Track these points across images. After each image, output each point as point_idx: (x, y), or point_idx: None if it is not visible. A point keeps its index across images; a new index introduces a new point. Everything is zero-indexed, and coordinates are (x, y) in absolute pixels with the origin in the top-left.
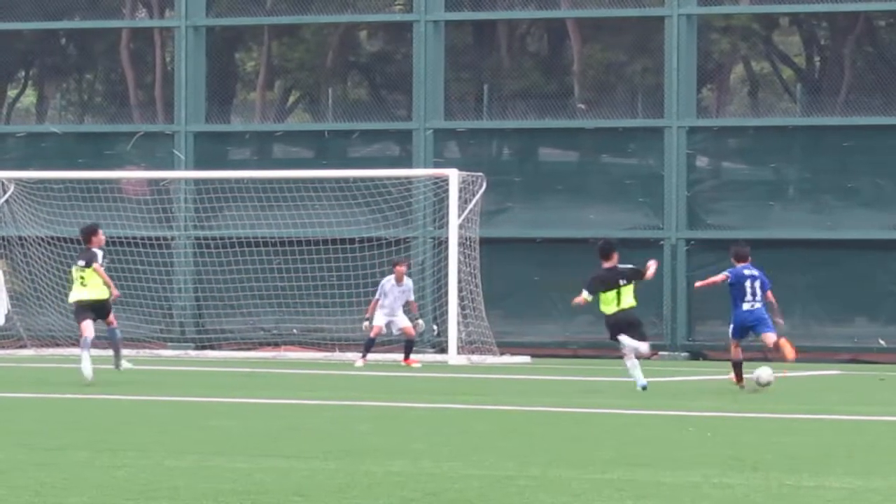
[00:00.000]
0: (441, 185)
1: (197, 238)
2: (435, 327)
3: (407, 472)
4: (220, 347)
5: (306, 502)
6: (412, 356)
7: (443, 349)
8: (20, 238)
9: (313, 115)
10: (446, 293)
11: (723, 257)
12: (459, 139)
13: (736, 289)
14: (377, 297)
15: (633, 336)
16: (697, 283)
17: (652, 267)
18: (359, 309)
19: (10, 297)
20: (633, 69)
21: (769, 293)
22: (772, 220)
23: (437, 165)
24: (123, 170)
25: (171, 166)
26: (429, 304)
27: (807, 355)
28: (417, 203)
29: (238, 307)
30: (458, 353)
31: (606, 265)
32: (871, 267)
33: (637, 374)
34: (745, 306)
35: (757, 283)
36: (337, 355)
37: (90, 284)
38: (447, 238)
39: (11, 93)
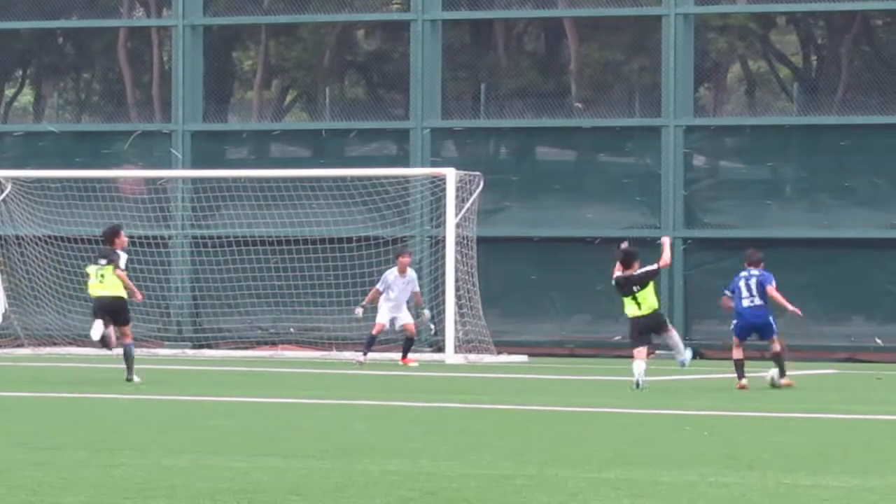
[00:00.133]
0: (438, 184)
1: (194, 237)
2: (432, 326)
3: (404, 471)
4: (217, 346)
5: (303, 501)
6: (410, 355)
7: (440, 348)
8: (17, 237)
9: (310, 114)
10: (443, 292)
11: (720, 256)
12: (456, 138)
13: (736, 291)
14: (379, 286)
15: (656, 338)
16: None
17: (666, 250)
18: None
19: (7, 296)
20: (630, 68)
21: (769, 288)
22: (769, 219)
23: (434, 164)
24: (121, 169)
25: (168, 165)
26: (426, 302)
27: (803, 354)
28: (415, 202)
29: (235, 306)
30: (455, 352)
31: (626, 272)
32: (867, 266)
33: (639, 371)
34: (745, 303)
35: (752, 281)
36: (334, 354)
37: (108, 283)
38: (444, 237)
39: (9, 92)
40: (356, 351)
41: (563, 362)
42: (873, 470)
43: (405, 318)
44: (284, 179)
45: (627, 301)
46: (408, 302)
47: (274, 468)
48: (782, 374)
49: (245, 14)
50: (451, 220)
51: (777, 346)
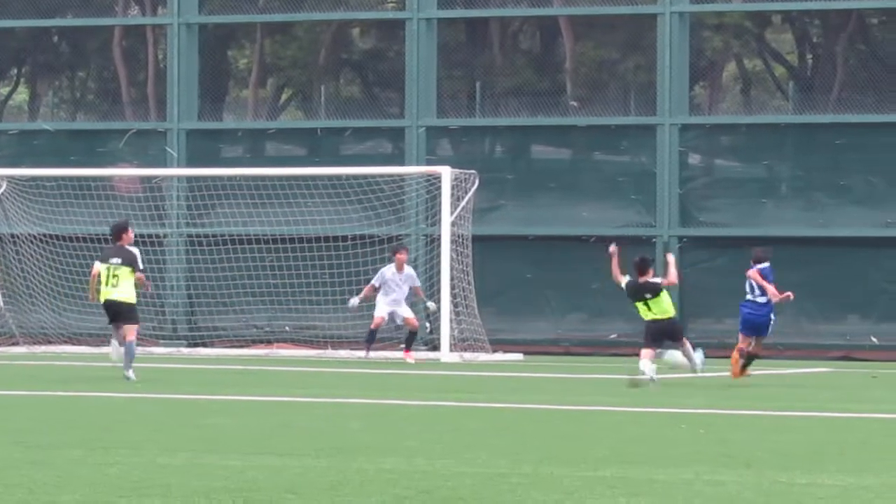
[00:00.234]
0: (433, 182)
1: (189, 235)
2: (428, 324)
3: (399, 469)
4: (212, 345)
5: (299, 500)
6: (411, 352)
7: (435, 346)
8: (12, 236)
9: (306, 112)
10: (439, 290)
11: (715, 255)
12: (452, 136)
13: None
14: (374, 282)
15: (671, 345)
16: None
17: (671, 269)
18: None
19: (3, 294)
20: (626, 67)
21: (751, 272)
22: (764, 217)
23: (429, 163)
24: (116, 167)
25: (163, 164)
26: (427, 298)
27: (799, 353)
28: (410, 200)
29: (230, 304)
30: (451, 350)
31: (641, 279)
32: (863, 264)
33: (648, 368)
34: (748, 297)
35: (758, 277)
36: (329, 353)
37: (122, 285)
38: (440, 235)
39: (3, 90)
40: (351, 349)
41: (558, 361)
42: (869, 468)
43: (405, 313)
44: (280, 178)
45: (639, 306)
46: (408, 298)
47: (269, 466)
48: (743, 368)
49: (240, 12)
50: (446, 218)
51: (759, 348)
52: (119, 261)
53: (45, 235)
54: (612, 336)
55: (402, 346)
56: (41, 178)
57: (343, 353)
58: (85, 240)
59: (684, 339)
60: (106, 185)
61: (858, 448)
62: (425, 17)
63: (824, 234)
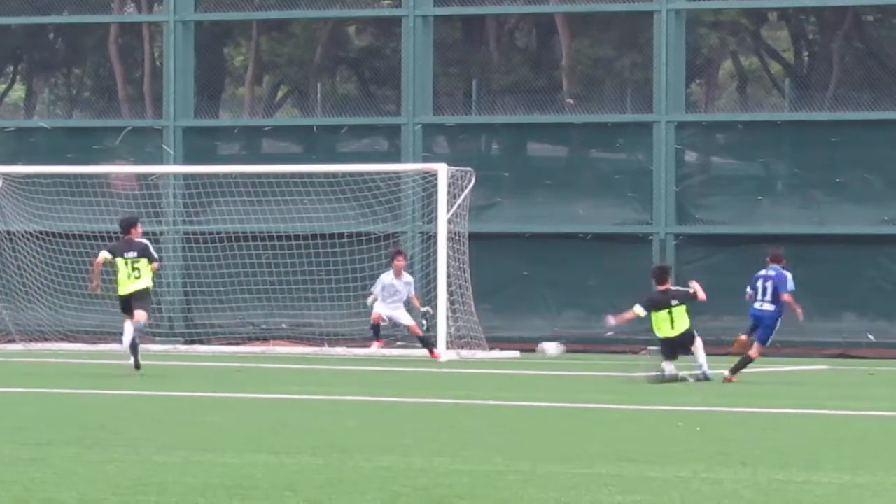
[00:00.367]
0: (430, 179)
1: (186, 233)
2: (424, 322)
3: (396, 467)
4: (209, 342)
5: (295, 497)
6: (414, 351)
7: (432, 344)
8: (9, 233)
9: (302, 110)
10: (435, 288)
11: (711, 252)
12: (448, 134)
13: (754, 289)
14: (374, 291)
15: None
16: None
17: (699, 288)
18: (347, 304)
19: None
20: (622, 64)
21: (785, 296)
22: (760, 215)
23: (425, 160)
24: (112, 164)
25: (159, 161)
26: (422, 303)
27: (796, 350)
28: (406, 198)
29: (227, 302)
30: (447, 347)
31: (660, 289)
32: (859, 262)
33: (668, 367)
34: (756, 304)
35: (769, 283)
36: (326, 350)
37: (143, 276)
38: (436, 233)
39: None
40: (348, 346)
41: (554, 358)
42: (865, 466)
43: (404, 319)
44: (276, 175)
45: (662, 317)
46: (405, 304)
47: (266, 464)
48: (734, 371)
49: (236, 10)
50: (442, 215)
51: (754, 352)
52: (135, 254)
53: (41, 233)
54: (609, 333)
55: (425, 350)
56: (37, 176)
57: (339, 351)
58: (81, 237)
59: (697, 342)
60: (102, 182)
61: (855, 446)
62: (421, 15)
63: (821, 232)
